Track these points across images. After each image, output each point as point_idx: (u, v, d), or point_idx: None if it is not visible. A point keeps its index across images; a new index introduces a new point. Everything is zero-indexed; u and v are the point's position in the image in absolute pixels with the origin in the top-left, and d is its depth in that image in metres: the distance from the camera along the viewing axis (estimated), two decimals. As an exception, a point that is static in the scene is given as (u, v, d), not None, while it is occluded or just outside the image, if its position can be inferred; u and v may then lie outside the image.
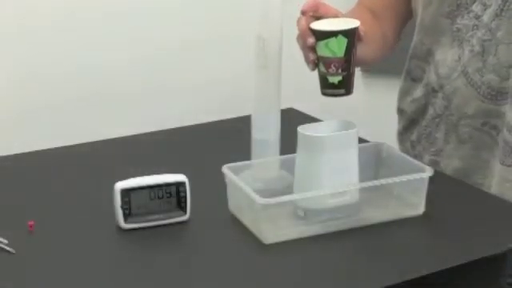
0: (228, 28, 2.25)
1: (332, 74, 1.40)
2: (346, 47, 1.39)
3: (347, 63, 1.40)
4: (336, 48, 1.39)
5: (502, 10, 1.51)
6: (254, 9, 1.45)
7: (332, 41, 1.39)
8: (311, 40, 1.40)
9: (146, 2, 2.20)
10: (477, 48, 1.54)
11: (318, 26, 1.40)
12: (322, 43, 1.39)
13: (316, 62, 1.42)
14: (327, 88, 1.42)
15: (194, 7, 2.26)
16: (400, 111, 1.75)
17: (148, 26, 2.20)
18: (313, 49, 1.41)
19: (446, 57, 1.59)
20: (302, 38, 1.42)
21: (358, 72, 2.41)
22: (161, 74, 2.25)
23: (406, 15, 1.70)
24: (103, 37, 2.14)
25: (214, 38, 2.27)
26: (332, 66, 1.40)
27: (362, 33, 1.41)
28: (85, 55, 2.13)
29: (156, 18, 2.21)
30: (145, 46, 2.20)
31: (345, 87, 1.41)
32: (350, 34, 1.39)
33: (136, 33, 2.19)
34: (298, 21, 1.42)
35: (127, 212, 1.39)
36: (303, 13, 1.41)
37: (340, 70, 1.40)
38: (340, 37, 1.38)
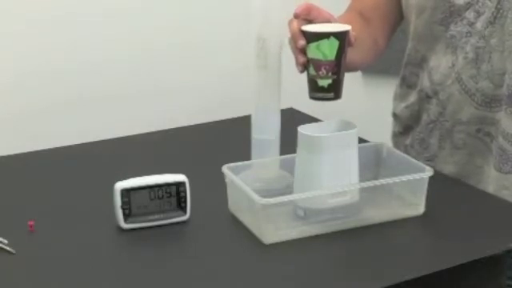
0: (228, 28, 2.25)
1: (322, 77, 1.39)
2: (338, 50, 1.38)
3: (337, 66, 1.39)
4: (327, 50, 1.38)
5: (495, 17, 1.51)
6: (253, 9, 1.45)
7: (324, 43, 1.38)
8: (302, 42, 1.39)
9: (145, 3, 2.20)
10: (470, 55, 1.54)
11: (310, 28, 1.40)
12: (313, 45, 1.38)
13: (305, 65, 1.40)
14: (316, 91, 1.40)
15: (193, 7, 2.26)
16: (395, 116, 1.76)
17: (148, 26, 2.20)
18: (303, 51, 1.40)
19: (440, 63, 1.60)
20: (292, 40, 1.42)
21: (357, 72, 2.43)
22: (161, 74, 2.25)
23: (397, 19, 1.70)
24: (103, 37, 2.14)
25: (213, 38, 2.27)
26: (322, 68, 1.39)
27: (352, 38, 1.41)
28: (85, 55, 2.13)
29: (156, 18, 2.22)
30: (145, 46, 2.20)
31: (334, 91, 1.40)
32: (342, 37, 1.38)
33: (136, 33, 2.19)
34: (290, 23, 1.42)
35: (127, 212, 1.39)
36: (296, 16, 1.41)
37: (330, 73, 1.39)
38: (332, 39, 1.37)
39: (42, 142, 1.77)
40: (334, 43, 1.37)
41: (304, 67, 1.41)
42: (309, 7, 1.41)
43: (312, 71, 1.40)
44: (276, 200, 1.35)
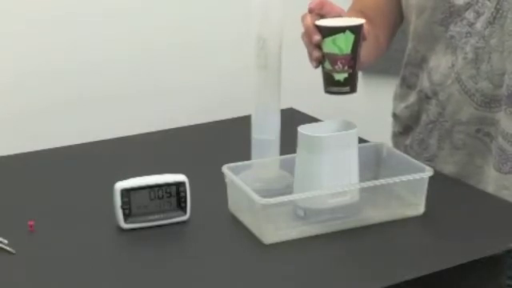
0: (228, 28, 2.25)
1: (338, 71, 1.39)
2: (353, 44, 1.38)
3: (353, 60, 1.39)
4: (343, 44, 1.38)
5: (494, 17, 1.51)
6: (253, 9, 1.45)
7: (339, 37, 1.37)
8: (317, 37, 1.38)
9: (145, 2, 2.20)
10: (470, 55, 1.54)
11: (324, 23, 1.39)
12: (328, 40, 1.38)
13: (320, 60, 1.40)
14: (332, 86, 1.40)
15: (193, 7, 2.26)
16: (395, 116, 1.76)
17: (148, 26, 2.20)
18: (318, 46, 1.39)
19: (440, 63, 1.60)
20: (307, 35, 1.41)
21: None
22: (161, 74, 2.25)
23: (397, 19, 1.70)
24: (103, 37, 2.14)
25: (213, 38, 2.27)
26: (338, 62, 1.38)
27: (366, 32, 1.41)
28: (85, 55, 2.13)
29: (156, 18, 2.22)
30: (145, 46, 2.20)
31: (350, 85, 1.40)
32: (358, 31, 1.38)
33: (136, 33, 2.19)
34: (303, 18, 1.41)
35: (127, 212, 1.39)
36: (310, 10, 1.40)
37: (346, 67, 1.38)
38: (348, 33, 1.37)
39: (41, 142, 1.78)
40: (350, 37, 1.37)
41: (319, 62, 1.40)
42: (322, 2, 1.41)
43: (328, 66, 1.39)
44: (276, 200, 1.35)
